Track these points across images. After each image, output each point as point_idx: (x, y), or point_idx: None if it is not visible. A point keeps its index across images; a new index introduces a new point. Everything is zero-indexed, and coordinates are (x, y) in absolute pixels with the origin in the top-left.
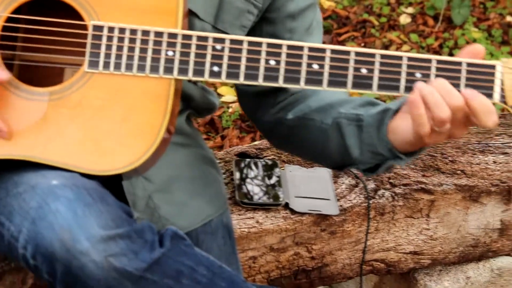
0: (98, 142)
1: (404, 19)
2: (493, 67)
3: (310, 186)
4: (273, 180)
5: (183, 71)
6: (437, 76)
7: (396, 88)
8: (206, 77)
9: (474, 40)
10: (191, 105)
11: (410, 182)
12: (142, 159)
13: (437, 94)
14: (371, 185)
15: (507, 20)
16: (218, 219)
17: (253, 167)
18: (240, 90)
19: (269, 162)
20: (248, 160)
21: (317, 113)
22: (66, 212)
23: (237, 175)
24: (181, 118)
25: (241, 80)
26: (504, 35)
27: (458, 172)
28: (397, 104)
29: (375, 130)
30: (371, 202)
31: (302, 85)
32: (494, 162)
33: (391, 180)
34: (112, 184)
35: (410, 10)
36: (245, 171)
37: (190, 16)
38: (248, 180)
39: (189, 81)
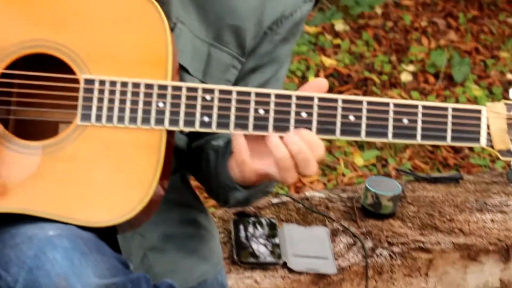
0: (92, 194)
1: (405, 77)
2: (478, 111)
3: (307, 245)
4: (274, 239)
5: (174, 122)
6: (423, 121)
7: (385, 135)
8: (197, 127)
9: (475, 98)
10: (185, 162)
11: (408, 240)
12: (134, 211)
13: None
14: (369, 243)
15: (507, 77)
16: (213, 278)
17: (253, 225)
18: None
19: (272, 221)
20: (248, 218)
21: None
22: (63, 260)
23: (235, 233)
24: (176, 176)
25: (231, 129)
26: (505, 92)
27: (456, 230)
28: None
29: (222, 160)
30: (369, 261)
31: None
32: (492, 220)
33: (389, 239)
34: (109, 238)
35: (411, 68)
36: (244, 229)
37: (181, 71)
38: (247, 238)
39: (182, 132)
